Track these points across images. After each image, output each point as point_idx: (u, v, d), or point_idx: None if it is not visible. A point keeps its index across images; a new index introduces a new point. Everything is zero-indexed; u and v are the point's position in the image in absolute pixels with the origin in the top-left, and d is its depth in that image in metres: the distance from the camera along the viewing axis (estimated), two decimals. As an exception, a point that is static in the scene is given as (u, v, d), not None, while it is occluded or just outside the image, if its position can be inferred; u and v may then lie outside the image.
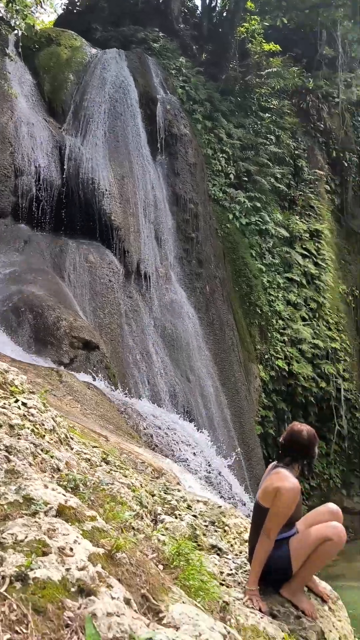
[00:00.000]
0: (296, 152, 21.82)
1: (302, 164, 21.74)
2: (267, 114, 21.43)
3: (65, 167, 14.71)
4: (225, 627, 1.98)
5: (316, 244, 20.99)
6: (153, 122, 16.79)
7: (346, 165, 23.47)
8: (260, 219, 19.46)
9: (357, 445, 21.88)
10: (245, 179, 19.80)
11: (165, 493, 4.90)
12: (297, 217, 20.87)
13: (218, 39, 22.27)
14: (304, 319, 20.07)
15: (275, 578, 3.89)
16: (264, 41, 22.16)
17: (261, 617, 3.48)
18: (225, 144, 19.88)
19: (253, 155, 20.35)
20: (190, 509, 4.77)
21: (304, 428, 4.11)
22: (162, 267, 15.78)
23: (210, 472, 9.16)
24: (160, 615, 1.93)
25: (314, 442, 4.02)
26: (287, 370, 18.99)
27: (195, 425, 12.71)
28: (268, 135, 21.02)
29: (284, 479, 3.84)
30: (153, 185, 16.12)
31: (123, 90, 16.43)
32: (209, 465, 9.35)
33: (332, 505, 4.06)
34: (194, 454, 9.52)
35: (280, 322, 19.42)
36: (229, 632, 1.99)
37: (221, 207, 19.24)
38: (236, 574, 4.06)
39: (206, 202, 18.05)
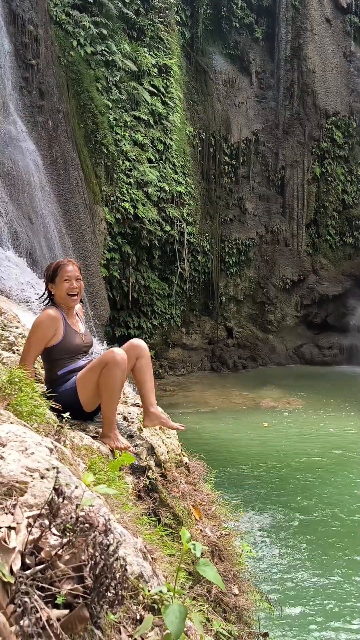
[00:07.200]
0: (146, -27, 20.12)
1: (152, -11, 20.20)
2: None
3: None
4: (52, 442, 2.07)
5: (165, 81, 20.18)
6: None
7: (198, -5, 22.21)
8: (106, 49, 18.13)
9: (197, 287, 23.05)
10: (91, 0, 18.06)
11: (2, 330, 4.87)
12: (146, 50, 19.72)
13: None
14: (150, 161, 19.78)
15: (73, 414, 3.76)
16: None
17: (95, 438, 3.72)
18: None
19: (99, -28, 18.46)
20: (29, 345, 4.80)
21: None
22: (-2, 97, 14.42)
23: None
24: (-13, 435, 1.96)
25: (49, 272, 4.02)
26: (132, 213, 18.94)
27: (38, 268, 12.52)
28: None
29: (38, 315, 3.98)
30: (-15, -2, 14.22)
31: None
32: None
33: (135, 340, 4.08)
34: (37, 294, 9.46)
35: (127, 163, 18.99)
36: (55, 447, 2.08)
37: (64, 32, 17.58)
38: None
39: (47, 24, 16.35)
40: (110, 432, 3.76)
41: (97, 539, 1.53)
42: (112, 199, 18.59)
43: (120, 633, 1.59)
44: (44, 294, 4.11)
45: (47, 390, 3.90)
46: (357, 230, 25.92)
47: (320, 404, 17.22)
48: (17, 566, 1.42)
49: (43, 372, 4.19)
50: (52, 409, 3.50)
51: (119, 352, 3.71)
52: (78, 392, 3.82)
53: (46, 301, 4.10)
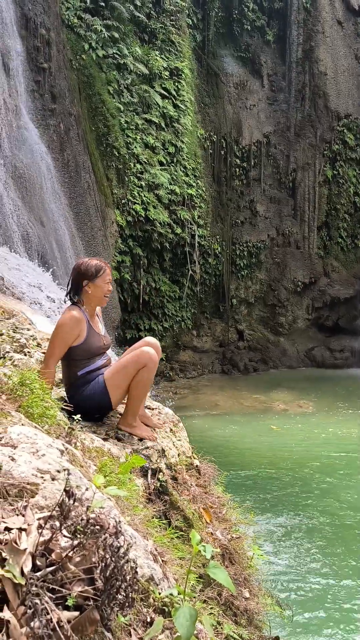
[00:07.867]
0: (158, -23, 20.17)
1: (163, -8, 20.24)
2: None
3: None
4: (63, 444, 2.07)
5: (176, 84, 20.22)
6: None
7: (209, -3, 22.22)
8: (118, 52, 18.20)
9: (208, 289, 23.03)
10: (102, 3, 18.13)
11: (14, 332, 4.88)
12: (157, 53, 19.77)
13: None
14: (161, 164, 19.81)
15: (99, 413, 4.01)
16: None
17: (106, 440, 3.72)
18: None
19: (110, -24, 18.53)
20: (40, 347, 4.82)
21: (77, 262, 4.22)
22: (10, 100, 14.51)
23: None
24: (-1, 437, 1.96)
25: (91, 270, 4.05)
26: (143, 215, 18.97)
27: (50, 270, 12.58)
28: None
29: (62, 313, 4.01)
30: (-2, 3, 14.31)
31: None
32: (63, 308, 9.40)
33: (149, 339, 4.15)
34: (48, 297, 9.51)
35: (138, 165, 19.04)
36: (66, 449, 2.08)
37: (76, 35, 17.66)
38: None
39: (59, 28, 16.45)
40: (135, 421, 3.92)
41: (107, 541, 1.53)
42: (123, 201, 18.63)
43: (130, 635, 1.58)
44: (69, 292, 4.10)
45: (66, 390, 4.00)
46: (368, 232, 25.80)
47: (331, 407, 17.13)
48: (27, 567, 1.42)
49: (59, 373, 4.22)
50: (63, 409, 3.51)
51: (152, 352, 3.83)
52: (109, 392, 3.90)
53: (70, 299, 4.12)
